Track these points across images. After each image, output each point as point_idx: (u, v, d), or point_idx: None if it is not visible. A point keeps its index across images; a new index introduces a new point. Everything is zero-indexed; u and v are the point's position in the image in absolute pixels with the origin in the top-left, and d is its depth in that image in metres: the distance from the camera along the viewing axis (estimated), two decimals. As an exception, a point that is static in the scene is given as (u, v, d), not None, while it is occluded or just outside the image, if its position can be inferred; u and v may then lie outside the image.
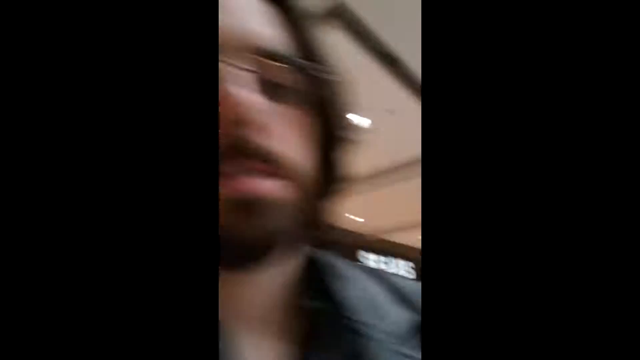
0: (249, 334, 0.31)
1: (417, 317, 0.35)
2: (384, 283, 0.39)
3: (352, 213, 5.50)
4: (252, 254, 0.28)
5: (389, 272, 0.41)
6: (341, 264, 0.37)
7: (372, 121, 3.57)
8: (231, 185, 0.27)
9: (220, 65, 0.28)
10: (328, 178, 0.34)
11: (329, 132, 0.34)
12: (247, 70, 0.29)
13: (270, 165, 0.29)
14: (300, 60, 0.32)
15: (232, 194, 0.27)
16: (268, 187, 0.28)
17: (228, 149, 0.27)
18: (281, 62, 0.31)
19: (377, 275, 0.40)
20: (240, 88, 0.27)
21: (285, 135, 0.30)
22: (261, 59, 0.30)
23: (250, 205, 0.27)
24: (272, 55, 0.30)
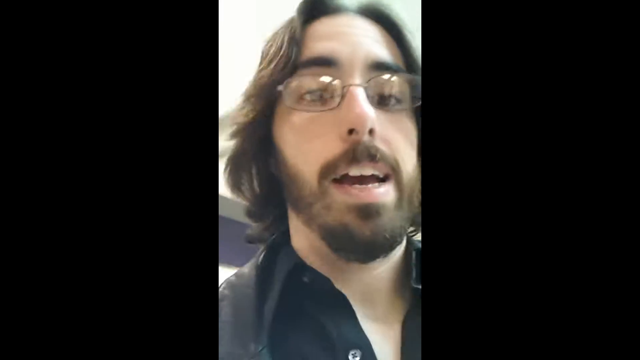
0: (365, 313, 0.36)
1: None
2: None
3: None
4: (368, 248, 0.34)
5: None
6: None
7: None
8: (349, 191, 0.34)
9: (337, 82, 0.35)
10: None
11: None
12: (361, 85, 0.35)
13: (377, 164, 0.34)
14: (403, 70, 0.38)
15: (350, 200, 0.33)
16: (379, 192, 0.34)
17: (346, 156, 0.34)
18: (389, 73, 0.36)
19: None
20: (356, 101, 0.33)
21: (392, 139, 0.35)
22: (374, 72, 0.36)
23: (365, 209, 0.33)
24: (382, 68, 0.36)
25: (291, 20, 0.39)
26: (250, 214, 0.44)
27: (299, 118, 0.36)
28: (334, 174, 0.34)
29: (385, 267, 0.38)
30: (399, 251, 0.39)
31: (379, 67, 0.36)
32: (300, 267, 0.37)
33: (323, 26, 0.39)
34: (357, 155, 0.33)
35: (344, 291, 0.35)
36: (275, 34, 0.40)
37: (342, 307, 0.35)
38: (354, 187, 0.34)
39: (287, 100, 0.36)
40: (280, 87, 0.36)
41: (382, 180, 0.34)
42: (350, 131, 0.33)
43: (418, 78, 0.37)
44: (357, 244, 0.34)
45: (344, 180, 0.34)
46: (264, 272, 0.39)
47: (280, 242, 0.42)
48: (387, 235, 0.34)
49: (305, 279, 0.36)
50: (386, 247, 0.35)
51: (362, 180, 0.34)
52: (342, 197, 0.34)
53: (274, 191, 0.41)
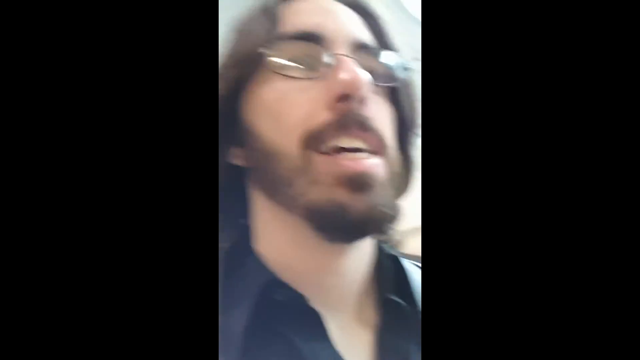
0: (330, 309, 0.34)
1: None
2: None
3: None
4: (362, 224, 0.31)
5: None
6: (403, 259, 0.40)
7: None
8: (338, 162, 0.31)
9: (325, 51, 0.33)
10: (403, 170, 0.37)
11: (403, 125, 0.38)
12: (349, 56, 0.33)
13: (368, 135, 0.32)
14: (383, 51, 0.37)
15: (339, 171, 0.31)
16: (371, 163, 0.32)
17: (334, 124, 0.31)
18: (369, 53, 0.35)
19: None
20: (349, 66, 0.32)
21: (377, 116, 0.33)
22: (356, 50, 0.35)
23: (358, 179, 0.31)
24: (364, 47, 0.35)
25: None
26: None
27: (279, 85, 0.34)
28: (321, 144, 0.31)
29: (357, 266, 0.36)
30: (367, 255, 0.37)
31: (362, 47, 0.35)
32: (273, 283, 0.33)
33: (303, 4, 0.37)
34: (348, 122, 0.31)
35: (319, 284, 0.34)
36: (250, 12, 0.38)
37: (315, 326, 0.33)
38: (343, 156, 0.31)
39: (270, 64, 0.34)
40: (262, 49, 0.34)
41: (372, 153, 0.32)
42: (341, 97, 0.31)
43: (399, 60, 0.37)
44: (349, 221, 0.31)
45: (332, 151, 0.31)
46: (227, 284, 0.33)
47: (242, 246, 0.37)
48: (383, 209, 0.32)
49: (279, 297, 0.32)
50: (381, 223, 0.33)
51: (352, 151, 0.31)
52: (330, 168, 0.31)
53: (231, 187, 0.37)
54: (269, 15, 0.36)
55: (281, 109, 0.33)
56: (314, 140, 0.32)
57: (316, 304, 0.33)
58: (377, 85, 0.34)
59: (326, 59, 0.33)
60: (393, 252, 0.39)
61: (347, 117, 0.31)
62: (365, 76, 0.31)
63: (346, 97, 0.31)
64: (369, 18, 0.39)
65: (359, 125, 0.32)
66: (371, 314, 0.36)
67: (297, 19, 0.36)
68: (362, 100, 0.32)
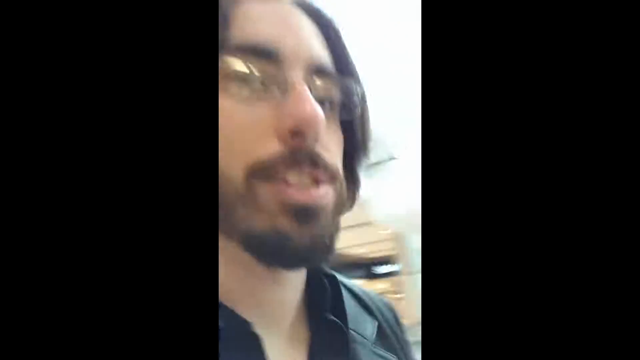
0: (265, 329, 0.32)
1: (376, 323, 0.41)
2: (351, 294, 0.42)
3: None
4: (306, 255, 0.31)
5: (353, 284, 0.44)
6: (340, 278, 0.40)
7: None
8: (283, 191, 0.30)
9: (281, 73, 0.31)
10: (349, 192, 0.36)
11: (354, 148, 0.37)
12: (306, 85, 0.31)
13: (319, 171, 0.31)
14: (340, 76, 0.35)
15: (284, 199, 0.29)
16: (319, 194, 0.31)
17: (284, 160, 0.30)
18: (326, 77, 0.33)
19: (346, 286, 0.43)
20: (307, 100, 0.30)
21: (329, 145, 0.32)
22: (314, 75, 0.32)
23: (303, 211, 0.30)
24: (322, 71, 0.33)
25: None
26: None
27: (223, 102, 0.30)
28: (268, 174, 0.30)
29: (293, 287, 0.35)
30: (303, 276, 0.37)
31: (320, 70, 0.33)
32: None
33: (260, 7, 0.33)
34: (299, 158, 0.30)
35: (253, 305, 0.32)
36: None
37: (256, 352, 0.31)
38: (289, 186, 0.30)
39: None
40: None
41: (319, 182, 0.31)
42: (295, 133, 0.29)
43: (354, 85, 0.35)
44: (291, 251, 0.30)
45: (279, 182, 0.30)
46: None
47: None
48: (327, 242, 0.31)
49: (220, 324, 0.28)
50: (324, 255, 0.32)
51: (300, 182, 0.30)
52: (275, 196, 0.29)
53: None
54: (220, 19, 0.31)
55: (225, 129, 0.29)
56: (260, 171, 0.30)
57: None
58: (330, 114, 0.33)
59: (282, 83, 0.31)
60: (330, 271, 0.39)
61: (299, 154, 0.30)
62: (322, 114, 0.30)
63: (300, 134, 0.29)
64: (330, 31, 0.36)
65: (310, 162, 0.30)
66: (305, 333, 0.36)
67: (250, 26, 0.31)
68: (316, 137, 0.30)
